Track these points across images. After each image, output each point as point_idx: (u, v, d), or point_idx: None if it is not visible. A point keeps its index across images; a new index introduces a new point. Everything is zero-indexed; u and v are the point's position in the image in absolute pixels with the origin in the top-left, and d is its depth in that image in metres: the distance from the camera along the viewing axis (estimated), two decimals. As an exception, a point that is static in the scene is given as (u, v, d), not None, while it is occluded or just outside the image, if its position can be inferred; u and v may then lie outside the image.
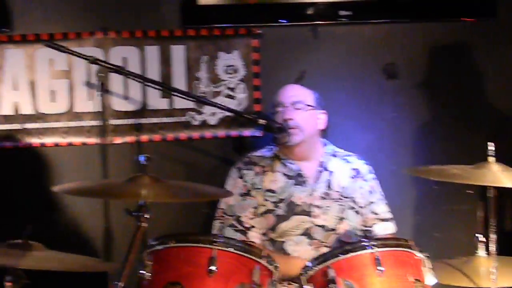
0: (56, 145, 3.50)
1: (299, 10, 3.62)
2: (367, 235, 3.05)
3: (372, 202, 3.11)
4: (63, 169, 3.52)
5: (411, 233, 3.65)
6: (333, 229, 3.01)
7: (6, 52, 3.43)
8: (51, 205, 3.33)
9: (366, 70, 3.69)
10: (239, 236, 2.96)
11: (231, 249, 2.36)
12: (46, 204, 3.36)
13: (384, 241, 2.52)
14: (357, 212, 3.07)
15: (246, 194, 3.06)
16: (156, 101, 3.52)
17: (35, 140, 3.48)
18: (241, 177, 3.10)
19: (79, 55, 3.11)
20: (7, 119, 3.44)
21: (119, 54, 3.49)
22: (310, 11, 3.62)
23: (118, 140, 3.50)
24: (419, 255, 2.45)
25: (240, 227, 3.00)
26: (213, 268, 2.30)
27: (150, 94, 3.51)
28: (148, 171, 2.33)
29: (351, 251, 2.42)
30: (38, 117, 3.47)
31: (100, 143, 3.34)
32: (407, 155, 3.74)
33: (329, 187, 3.07)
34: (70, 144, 3.50)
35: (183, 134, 3.55)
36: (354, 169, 3.15)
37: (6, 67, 3.43)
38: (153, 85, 3.29)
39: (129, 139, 3.51)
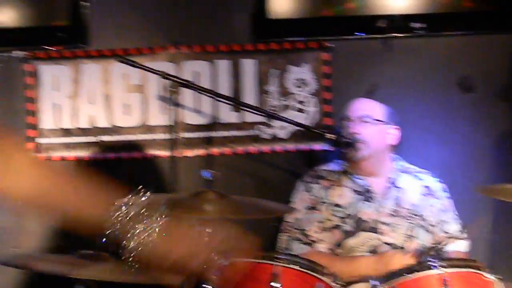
0: (130, 157, 3.57)
1: (371, 23, 3.57)
2: (437, 254, 2.97)
3: (443, 221, 3.03)
4: (136, 182, 3.57)
5: (487, 252, 3.52)
6: (401, 247, 2.94)
7: (82, 67, 3.54)
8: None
9: (440, 84, 3.59)
10: (306, 249, 2.95)
11: (294, 266, 2.35)
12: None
13: (452, 261, 2.46)
14: (427, 230, 2.99)
15: (313, 208, 3.03)
16: (227, 114, 3.54)
17: (110, 153, 3.57)
18: (307, 191, 3.08)
19: (150, 70, 3.16)
20: (83, 131, 3.55)
21: (191, 68, 3.54)
22: (383, 24, 3.56)
23: (189, 153, 3.54)
24: (489, 276, 2.37)
25: (306, 240, 2.98)
26: (275, 284, 2.30)
27: (220, 107, 3.54)
28: (215, 186, 2.34)
29: (418, 270, 2.37)
30: (113, 130, 3.55)
31: (171, 156, 3.38)
32: (484, 171, 3.61)
33: (398, 204, 3.01)
34: (143, 157, 3.57)
35: (252, 148, 3.56)
36: (425, 186, 3.08)
37: (82, 82, 3.53)
38: (221, 99, 3.31)
39: (200, 152, 3.55)
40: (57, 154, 3.54)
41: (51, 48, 3.53)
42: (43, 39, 3.54)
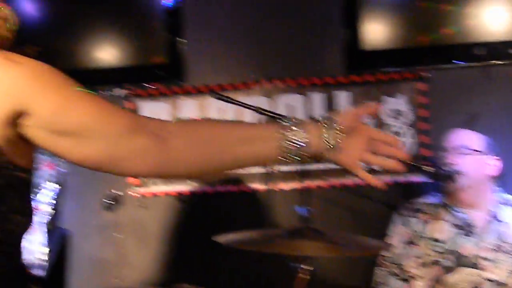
0: (228, 191, 3.61)
1: (469, 51, 3.48)
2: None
3: (549, 256, 2.88)
4: (233, 215, 3.62)
5: None
6: (504, 284, 2.82)
7: (180, 103, 3.63)
8: (219, 251, 3.44)
9: (543, 112, 3.46)
10: (403, 285, 2.88)
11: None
12: (213, 250, 3.47)
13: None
14: (533, 266, 2.86)
15: (410, 242, 2.96)
16: (322, 147, 3.52)
17: (208, 187, 3.62)
18: (404, 225, 3.01)
19: (244, 105, 3.19)
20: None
21: (285, 102, 3.56)
22: (481, 51, 3.46)
23: (285, 186, 3.55)
24: None
25: (403, 276, 2.91)
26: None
27: (316, 140, 3.52)
28: (311, 219, 2.34)
29: (522, 310, 2.27)
30: (210, 164, 3.60)
31: (268, 190, 3.40)
32: None
33: (500, 238, 2.89)
34: (239, 190, 3.60)
35: (349, 181, 3.52)
36: (530, 219, 2.95)
37: (180, 117, 3.61)
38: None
39: (295, 185, 3.55)
40: (160, 189, 3.63)
41: (150, 85, 3.65)
42: (143, 77, 3.66)
